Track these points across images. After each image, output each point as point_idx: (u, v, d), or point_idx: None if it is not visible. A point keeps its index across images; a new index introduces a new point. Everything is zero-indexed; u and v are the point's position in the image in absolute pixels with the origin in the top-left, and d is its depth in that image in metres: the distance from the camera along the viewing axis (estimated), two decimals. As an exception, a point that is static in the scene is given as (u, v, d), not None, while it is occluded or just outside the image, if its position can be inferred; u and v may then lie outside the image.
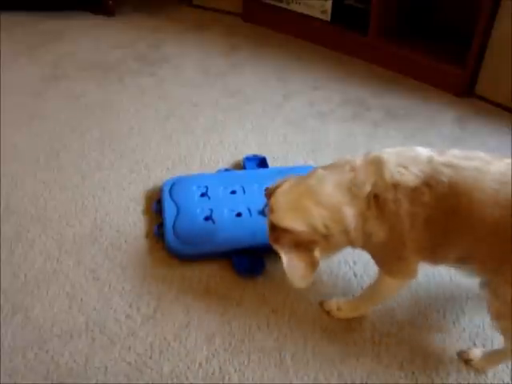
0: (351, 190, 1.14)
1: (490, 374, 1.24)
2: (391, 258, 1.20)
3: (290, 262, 1.17)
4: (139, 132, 2.02)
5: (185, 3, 3.02)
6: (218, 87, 2.32)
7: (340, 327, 1.34)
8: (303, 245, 1.16)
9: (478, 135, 2.06)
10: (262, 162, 1.83)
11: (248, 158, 1.84)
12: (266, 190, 1.31)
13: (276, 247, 1.20)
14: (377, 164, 1.14)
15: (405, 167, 1.11)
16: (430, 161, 1.12)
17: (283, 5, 2.70)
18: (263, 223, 1.54)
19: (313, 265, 1.17)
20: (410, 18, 2.56)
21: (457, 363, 1.26)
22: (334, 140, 2.01)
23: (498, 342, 1.28)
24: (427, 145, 1.98)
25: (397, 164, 1.12)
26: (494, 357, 1.25)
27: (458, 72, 2.25)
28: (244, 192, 1.66)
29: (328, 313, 1.36)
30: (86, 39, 2.66)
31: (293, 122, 2.11)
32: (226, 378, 1.22)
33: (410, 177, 1.10)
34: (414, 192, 1.10)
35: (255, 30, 2.78)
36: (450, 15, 2.45)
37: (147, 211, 1.65)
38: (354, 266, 1.49)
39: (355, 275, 1.47)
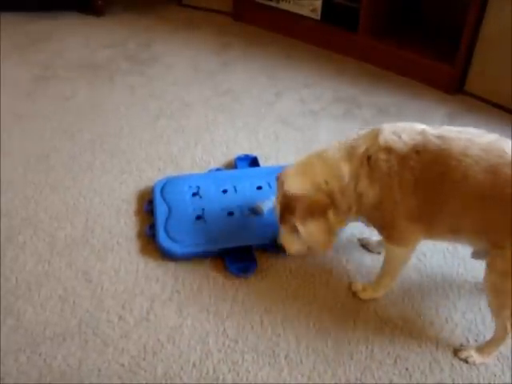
0: (349, 150, 1.26)
1: (482, 368, 1.25)
2: (385, 221, 1.27)
3: (307, 231, 1.28)
4: (130, 132, 2.01)
5: (174, 2, 3.01)
6: (208, 86, 2.32)
7: (333, 326, 1.34)
8: (317, 210, 1.26)
9: (468, 132, 2.07)
10: (253, 162, 1.83)
11: (239, 158, 1.84)
12: (277, 176, 1.39)
13: (293, 220, 1.28)
14: (375, 132, 1.25)
15: (398, 136, 1.22)
16: (422, 132, 1.21)
17: (273, 4, 2.70)
18: (254, 222, 1.55)
19: (329, 229, 1.28)
20: (399, 16, 2.56)
21: (450, 359, 1.27)
22: (326, 138, 2.01)
23: (489, 336, 1.29)
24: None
25: (391, 132, 1.23)
26: (488, 347, 1.26)
27: (448, 69, 2.26)
28: (235, 191, 1.65)
29: (354, 294, 1.41)
30: (75, 39, 2.65)
31: (284, 121, 2.11)
32: (220, 378, 1.22)
33: (400, 144, 1.20)
34: (403, 157, 1.19)
35: (246, 29, 2.78)
36: (440, 13, 2.46)
37: (139, 212, 1.64)
38: (347, 264, 1.49)
39: (348, 275, 1.47)
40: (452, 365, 1.26)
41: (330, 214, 1.27)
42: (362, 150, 1.24)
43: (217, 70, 2.44)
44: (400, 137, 1.21)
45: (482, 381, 1.23)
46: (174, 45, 2.63)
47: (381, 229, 1.31)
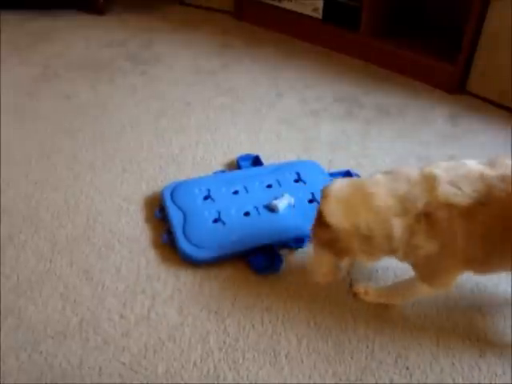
0: (404, 202, 1.16)
1: (483, 367, 1.25)
2: (436, 269, 1.22)
3: (317, 258, 1.27)
4: (131, 131, 2.01)
5: (175, 2, 3.01)
6: (209, 86, 2.32)
7: (334, 325, 1.34)
8: (336, 248, 1.22)
9: (470, 132, 2.07)
10: (255, 161, 1.83)
11: (242, 158, 1.83)
12: (322, 189, 1.30)
13: (313, 239, 1.26)
14: (430, 180, 1.16)
15: (458, 187, 1.13)
16: (482, 177, 1.14)
17: (275, 3, 2.70)
18: (272, 219, 1.54)
19: (335, 270, 1.25)
20: (401, 16, 2.56)
21: (451, 358, 1.27)
22: (327, 138, 2.01)
23: (490, 335, 1.30)
24: (419, 142, 2.00)
25: (449, 182, 1.14)
26: None
27: (450, 69, 2.26)
28: (247, 191, 1.65)
29: (354, 295, 1.39)
30: (75, 38, 2.65)
31: (285, 121, 2.11)
32: (221, 376, 1.22)
33: (463, 197, 1.13)
34: (468, 211, 1.12)
35: (247, 29, 2.78)
36: (441, 12, 2.46)
37: (140, 210, 1.64)
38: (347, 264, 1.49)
39: (348, 275, 1.47)
40: (453, 364, 1.26)
41: (346, 260, 1.23)
42: (418, 206, 1.14)
43: (218, 69, 2.44)
44: (461, 188, 1.13)
45: (482, 380, 1.23)
46: (176, 44, 2.63)
47: (427, 273, 1.24)
